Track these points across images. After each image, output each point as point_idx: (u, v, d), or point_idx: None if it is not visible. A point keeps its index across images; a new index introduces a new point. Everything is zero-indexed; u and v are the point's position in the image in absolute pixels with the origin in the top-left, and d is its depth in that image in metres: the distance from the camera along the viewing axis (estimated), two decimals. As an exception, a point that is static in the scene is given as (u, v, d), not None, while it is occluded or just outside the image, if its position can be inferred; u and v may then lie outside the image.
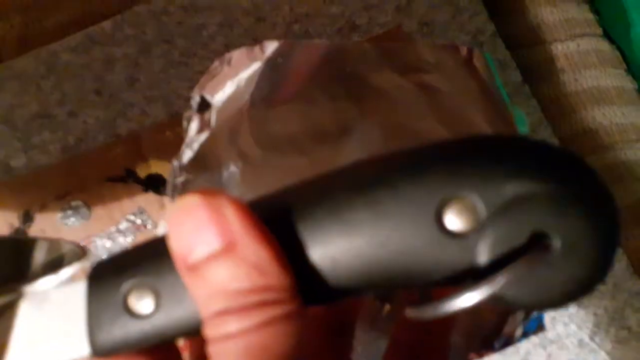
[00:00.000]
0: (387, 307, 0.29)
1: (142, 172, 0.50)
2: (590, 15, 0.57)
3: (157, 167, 0.50)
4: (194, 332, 0.18)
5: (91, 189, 0.50)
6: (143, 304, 0.18)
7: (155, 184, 0.50)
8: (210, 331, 0.17)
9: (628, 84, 0.56)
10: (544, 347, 0.47)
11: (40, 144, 0.51)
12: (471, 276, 0.16)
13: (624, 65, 0.57)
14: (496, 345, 0.36)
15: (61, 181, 0.50)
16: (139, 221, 0.49)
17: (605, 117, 0.54)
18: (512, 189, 0.16)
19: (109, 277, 0.19)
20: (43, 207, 0.50)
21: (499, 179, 0.16)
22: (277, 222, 0.17)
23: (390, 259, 0.17)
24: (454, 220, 0.16)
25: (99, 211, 0.49)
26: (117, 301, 0.18)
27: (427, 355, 0.23)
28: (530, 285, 0.16)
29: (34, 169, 0.50)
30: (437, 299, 0.16)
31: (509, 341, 0.37)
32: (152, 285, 0.18)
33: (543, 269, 0.16)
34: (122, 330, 0.18)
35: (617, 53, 0.57)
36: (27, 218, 0.50)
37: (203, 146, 0.39)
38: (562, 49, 0.55)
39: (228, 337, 0.16)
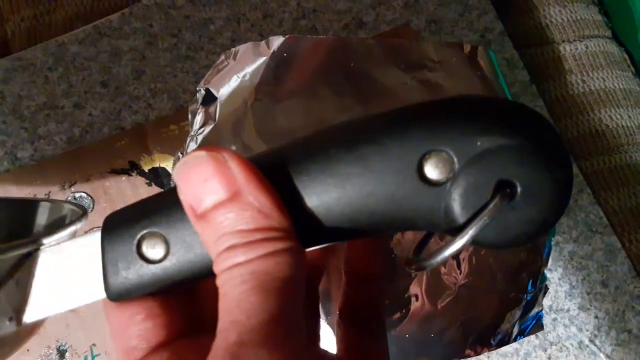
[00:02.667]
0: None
1: (146, 165, 0.50)
2: (600, 17, 0.57)
3: (161, 160, 0.50)
4: (202, 275, 0.20)
5: (95, 181, 0.50)
6: (155, 251, 0.20)
7: (159, 177, 0.50)
8: (219, 266, 0.19)
9: (635, 86, 0.55)
10: (544, 349, 0.47)
11: (46, 135, 0.51)
12: (446, 220, 0.19)
13: (632, 68, 0.56)
14: (493, 341, 0.36)
15: (66, 172, 0.50)
16: (142, 213, 0.49)
17: (611, 119, 0.53)
18: (482, 143, 0.18)
19: (123, 227, 0.20)
20: (48, 198, 0.50)
21: (471, 135, 0.18)
22: (276, 175, 0.19)
23: (377, 206, 0.19)
24: (432, 171, 0.18)
25: (102, 203, 0.50)
26: (132, 249, 0.20)
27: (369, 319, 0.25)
28: (497, 226, 0.19)
29: (39, 160, 0.51)
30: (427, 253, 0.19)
31: (505, 338, 0.37)
32: (162, 234, 0.20)
33: (508, 213, 0.18)
34: (136, 274, 0.20)
35: (625, 55, 0.57)
36: (32, 208, 0.50)
37: (207, 139, 0.39)
38: (571, 50, 0.55)
39: (236, 265, 0.18)
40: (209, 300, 0.21)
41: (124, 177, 0.50)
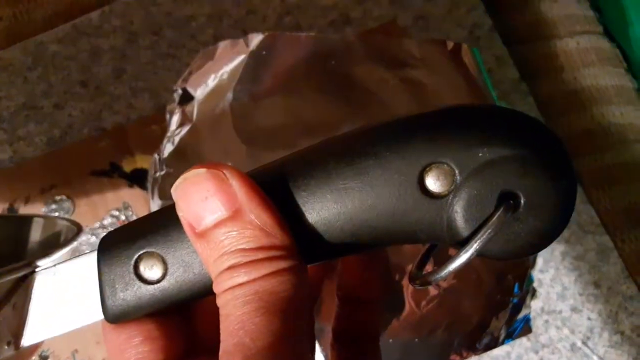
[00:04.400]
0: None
1: (127, 166, 0.49)
2: (591, 13, 0.56)
3: (143, 161, 0.49)
4: (201, 295, 0.20)
5: (76, 183, 0.49)
6: (153, 271, 0.20)
7: (141, 179, 0.49)
8: (220, 286, 0.18)
9: (627, 83, 0.54)
10: (536, 352, 0.46)
11: (26, 136, 0.50)
12: (449, 233, 0.18)
13: (624, 64, 0.55)
14: (478, 345, 0.35)
15: (46, 174, 0.49)
16: (123, 217, 0.48)
17: (603, 117, 0.52)
18: (483, 154, 0.18)
19: (119, 248, 0.20)
20: (27, 201, 0.49)
21: (472, 146, 0.18)
22: (275, 191, 0.19)
23: (378, 221, 0.19)
24: (433, 184, 0.18)
25: (83, 206, 0.49)
26: (129, 270, 0.20)
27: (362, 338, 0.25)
28: (501, 238, 0.18)
29: (19, 161, 0.50)
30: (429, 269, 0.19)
31: (492, 342, 0.36)
32: (160, 254, 0.20)
33: (512, 224, 0.18)
34: (134, 295, 0.20)
35: (617, 51, 0.56)
36: (12, 212, 0.49)
37: (183, 140, 0.38)
38: (561, 46, 0.54)
39: (238, 285, 0.18)
40: (205, 320, 0.20)
41: (105, 179, 0.49)
